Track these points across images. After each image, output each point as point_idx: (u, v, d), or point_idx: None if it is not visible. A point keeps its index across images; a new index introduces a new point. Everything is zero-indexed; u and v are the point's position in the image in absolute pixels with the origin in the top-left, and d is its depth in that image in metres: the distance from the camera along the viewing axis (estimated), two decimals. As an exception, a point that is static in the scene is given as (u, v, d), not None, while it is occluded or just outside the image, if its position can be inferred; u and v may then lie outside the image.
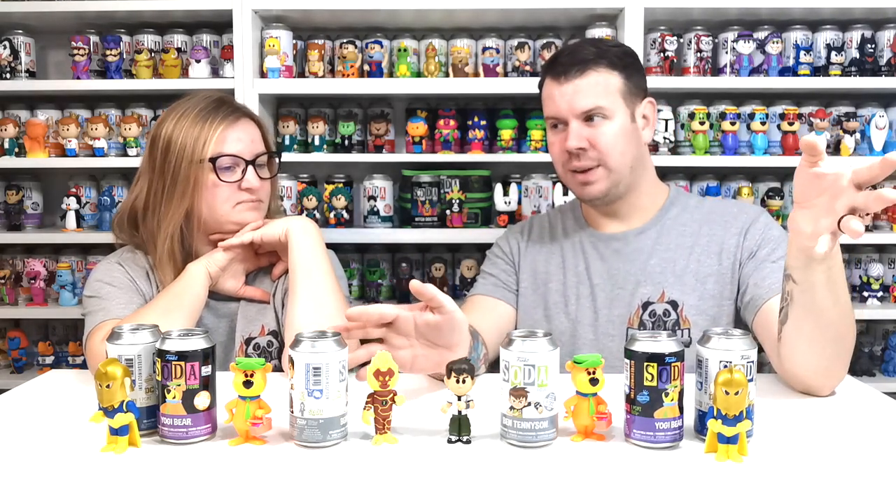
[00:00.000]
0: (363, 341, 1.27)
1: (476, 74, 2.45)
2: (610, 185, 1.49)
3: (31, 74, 2.49)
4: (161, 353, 1.02)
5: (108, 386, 0.97)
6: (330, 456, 0.99)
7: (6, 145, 2.40)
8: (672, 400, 0.99)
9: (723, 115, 2.38)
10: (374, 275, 2.47)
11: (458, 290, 2.49)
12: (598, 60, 1.45)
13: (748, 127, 2.38)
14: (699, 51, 2.38)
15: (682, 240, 1.53)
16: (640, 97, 1.51)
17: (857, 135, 2.37)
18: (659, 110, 2.39)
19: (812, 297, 1.15)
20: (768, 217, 1.53)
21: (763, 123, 2.34)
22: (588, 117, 1.45)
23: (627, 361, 1.00)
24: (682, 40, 2.41)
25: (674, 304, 1.48)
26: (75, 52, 2.39)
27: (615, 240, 1.56)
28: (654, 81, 2.33)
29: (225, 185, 1.46)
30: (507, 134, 2.41)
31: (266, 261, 1.55)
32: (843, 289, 1.16)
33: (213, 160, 1.44)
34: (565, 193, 2.29)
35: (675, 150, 2.44)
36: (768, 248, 1.46)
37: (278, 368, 1.43)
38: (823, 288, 1.14)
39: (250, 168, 1.47)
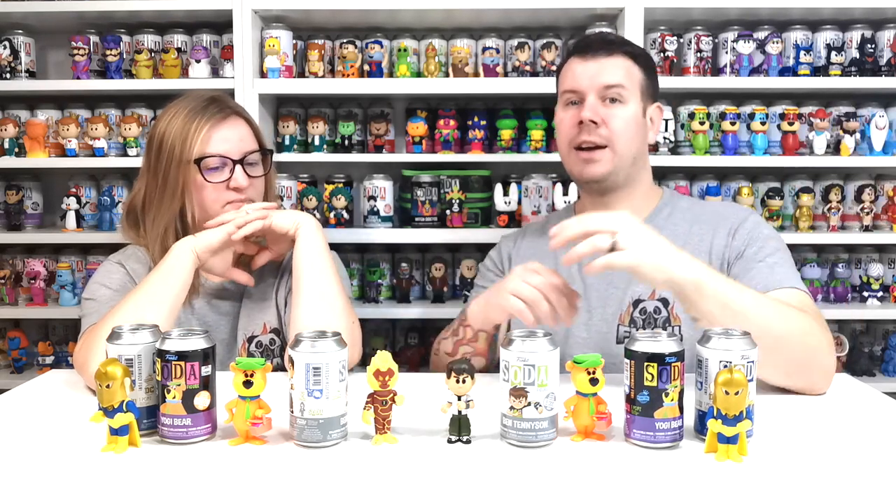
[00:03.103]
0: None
1: (476, 74, 2.45)
2: (612, 168, 1.50)
3: (31, 74, 2.49)
4: (161, 353, 1.02)
5: (108, 386, 0.97)
6: (330, 456, 0.99)
7: (6, 145, 2.40)
8: (672, 400, 0.99)
9: (723, 115, 2.38)
10: (374, 275, 2.47)
11: (458, 290, 2.49)
12: (625, 48, 1.52)
13: (748, 127, 2.38)
14: (699, 51, 2.38)
15: (673, 239, 1.50)
16: (652, 99, 1.56)
17: (857, 135, 2.37)
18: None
19: (722, 324, 1.12)
20: (757, 217, 1.54)
21: (763, 123, 2.34)
22: (605, 98, 1.49)
23: (627, 361, 1.00)
24: (682, 40, 2.41)
25: (664, 302, 1.48)
26: (75, 52, 2.39)
27: None
28: (654, 81, 2.33)
29: (212, 185, 1.45)
30: (507, 134, 2.41)
31: (250, 247, 1.50)
32: (750, 306, 1.19)
33: (198, 161, 1.44)
34: (565, 193, 2.29)
35: (675, 150, 2.44)
36: (756, 247, 1.46)
37: (280, 366, 1.42)
38: (724, 315, 1.17)
39: (238, 167, 1.46)
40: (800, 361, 1.24)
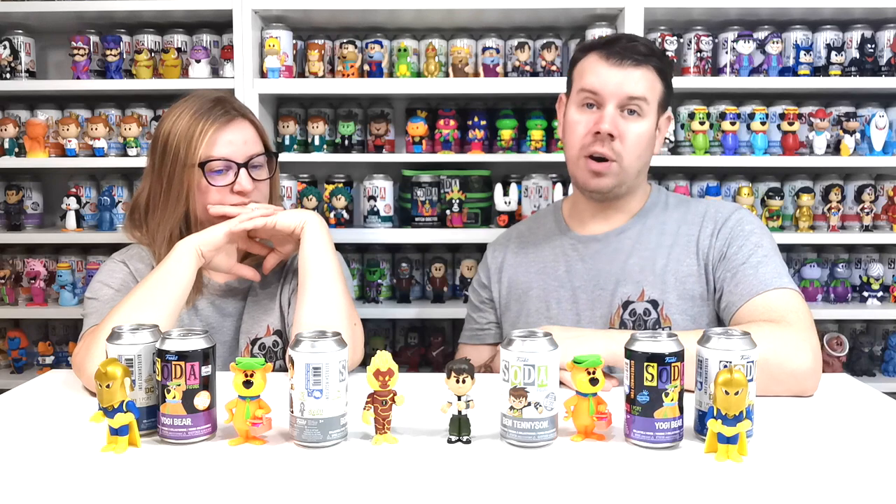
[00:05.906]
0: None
1: (476, 74, 2.45)
2: (617, 182, 1.49)
3: (31, 74, 2.49)
4: (161, 353, 1.02)
5: (108, 386, 0.97)
6: (330, 456, 0.99)
7: (6, 145, 2.40)
8: (672, 400, 0.99)
9: (723, 115, 2.38)
10: (374, 275, 2.47)
11: (459, 289, 2.49)
12: (653, 60, 1.47)
13: (748, 127, 2.38)
14: (699, 51, 2.38)
15: (661, 238, 1.52)
16: (665, 109, 1.53)
17: (857, 135, 2.37)
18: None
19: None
20: (741, 213, 1.52)
21: (763, 123, 2.34)
22: (624, 108, 1.45)
23: (627, 361, 1.00)
24: (682, 40, 2.41)
25: (654, 304, 1.47)
26: (75, 52, 2.39)
27: (596, 241, 1.56)
28: (654, 81, 2.33)
29: (216, 189, 1.44)
30: (507, 134, 2.41)
31: (258, 248, 1.50)
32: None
33: (202, 164, 1.43)
34: (565, 193, 2.29)
35: (675, 150, 2.44)
36: (737, 246, 1.46)
37: (283, 369, 1.42)
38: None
39: (242, 171, 1.45)
40: (766, 378, 1.15)
